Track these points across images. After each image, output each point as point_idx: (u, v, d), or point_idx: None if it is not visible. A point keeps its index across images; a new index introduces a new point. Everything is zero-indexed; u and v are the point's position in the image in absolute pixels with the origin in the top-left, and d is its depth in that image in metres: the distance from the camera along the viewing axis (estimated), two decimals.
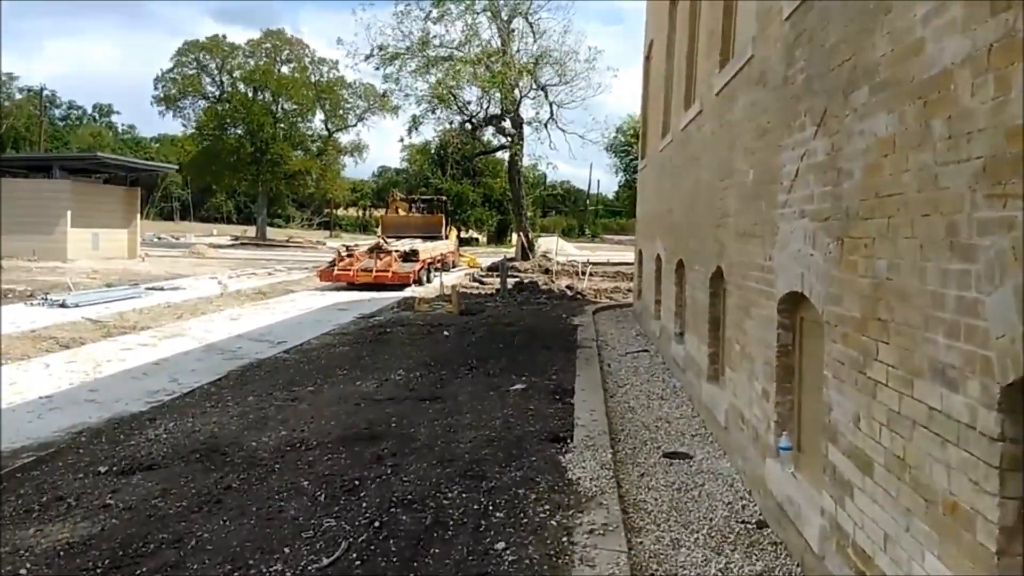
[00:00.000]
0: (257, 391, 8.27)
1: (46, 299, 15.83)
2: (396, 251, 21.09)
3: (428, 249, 23.14)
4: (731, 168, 5.68)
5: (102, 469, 5.68)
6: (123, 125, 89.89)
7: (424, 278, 21.53)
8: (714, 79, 6.50)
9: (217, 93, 52.80)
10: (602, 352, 10.33)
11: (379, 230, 28.33)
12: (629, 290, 20.22)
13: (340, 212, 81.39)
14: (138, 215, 33.90)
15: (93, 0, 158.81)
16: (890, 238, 2.65)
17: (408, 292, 19.51)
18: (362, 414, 6.89)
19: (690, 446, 6.20)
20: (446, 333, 12.08)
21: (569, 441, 5.85)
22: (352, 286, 20.28)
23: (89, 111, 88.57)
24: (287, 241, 52.11)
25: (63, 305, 15.28)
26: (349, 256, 20.89)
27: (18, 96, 72.79)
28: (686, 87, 8.50)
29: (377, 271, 20.05)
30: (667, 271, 9.60)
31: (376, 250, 21.13)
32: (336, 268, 20.48)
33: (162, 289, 19.96)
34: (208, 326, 13.70)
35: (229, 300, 17.90)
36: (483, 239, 60.74)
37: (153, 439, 6.47)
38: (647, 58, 13.81)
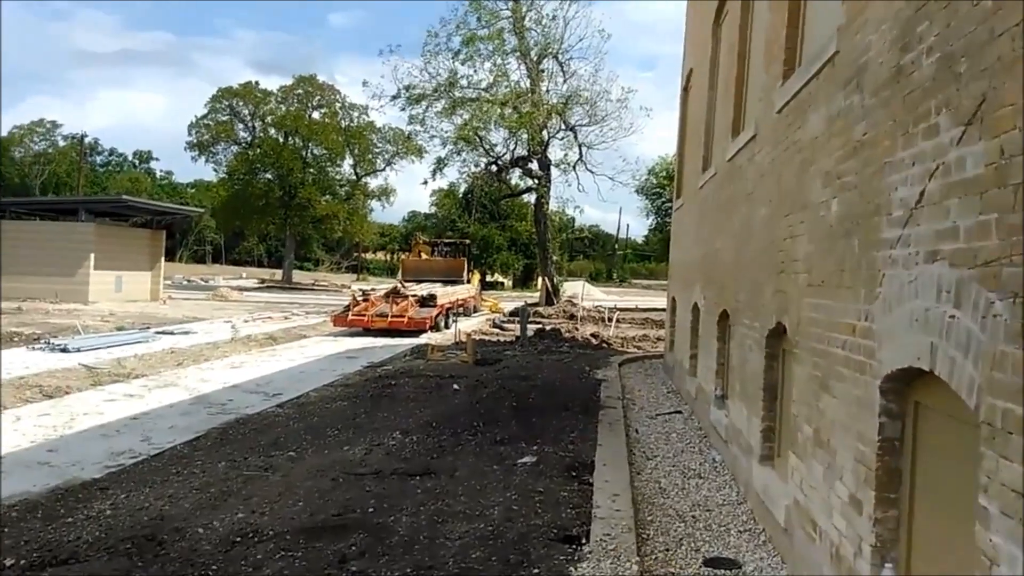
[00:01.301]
0: (232, 455, 7.20)
1: (48, 343, 15.09)
2: (413, 296, 20.07)
3: (447, 294, 22.11)
4: (801, 200, 4.51)
5: (8, 562, 4.62)
6: (161, 171, 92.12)
7: (442, 323, 20.46)
8: (774, 95, 5.39)
9: (249, 138, 53.19)
10: (628, 413, 9.04)
11: (399, 274, 27.48)
12: (659, 339, 18.88)
13: (368, 256, 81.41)
14: (162, 258, 33.66)
15: (140, 53, 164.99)
16: None
17: (424, 338, 18.46)
18: (339, 493, 5.71)
19: (737, 548, 4.90)
20: (456, 387, 10.90)
21: (584, 542, 4.58)
22: (367, 332, 19.33)
23: (129, 158, 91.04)
24: (313, 284, 51.66)
25: (64, 350, 14.52)
26: (364, 301, 19.93)
27: (62, 143, 74.85)
28: (735, 112, 7.41)
29: (392, 316, 19.05)
30: (707, 323, 8.35)
31: (393, 294, 20.14)
32: (351, 313, 19.54)
33: (172, 333, 19.20)
34: (205, 374, 12.77)
35: (237, 346, 17.05)
36: (509, 283, 59.77)
37: (93, 517, 5.44)
38: (685, 89, 12.80)
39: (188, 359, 14.54)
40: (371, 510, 5.23)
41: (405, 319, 19.00)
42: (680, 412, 9.01)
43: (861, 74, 3.48)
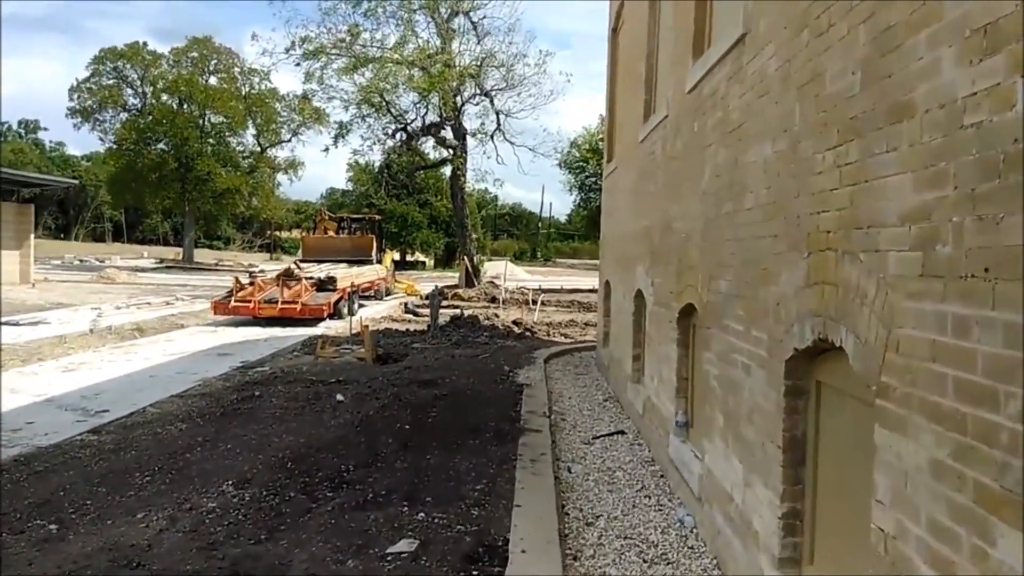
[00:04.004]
0: None
1: None
2: (308, 278, 17.42)
3: (351, 275, 19.49)
4: (899, 107, 2.39)
5: None
6: (51, 142, 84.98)
7: (345, 310, 17.89)
8: None
9: (139, 105, 48.23)
10: (557, 436, 6.91)
11: (299, 253, 24.55)
12: (587, 324, 16.96)
13: (284, 234, 76.95)
14: (31, 234, 29.49)
15: (30, 19, 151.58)
16: None
17: (322, 328, 15.93)
18: None
19: None
20: (340, 398, 8.53)
21: None
22: (257, 321, 16.60)
23: (14, 127, 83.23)
24: (216, 264, 47.61)
25: None
26: (250, 285, 17.14)
27: None
28: (696, 23, 5.28)
29: (283, 303, 16.37)
30: (659, 319, 6.26)
31: (285, 277, 17.42)
32: (233, 299, 16.73)
33: (18, 324, 15.96)
34: (23, 381, 10.01)
35: (91, 340, 14.15)
36: (430, 263, 57.09)
37: None
38: (614, 31, 10.65)
39: (16, 359, 11.66)
40: None
41: (298, 306, 16.37)
42: (624, 432, 6.93)
43: None
